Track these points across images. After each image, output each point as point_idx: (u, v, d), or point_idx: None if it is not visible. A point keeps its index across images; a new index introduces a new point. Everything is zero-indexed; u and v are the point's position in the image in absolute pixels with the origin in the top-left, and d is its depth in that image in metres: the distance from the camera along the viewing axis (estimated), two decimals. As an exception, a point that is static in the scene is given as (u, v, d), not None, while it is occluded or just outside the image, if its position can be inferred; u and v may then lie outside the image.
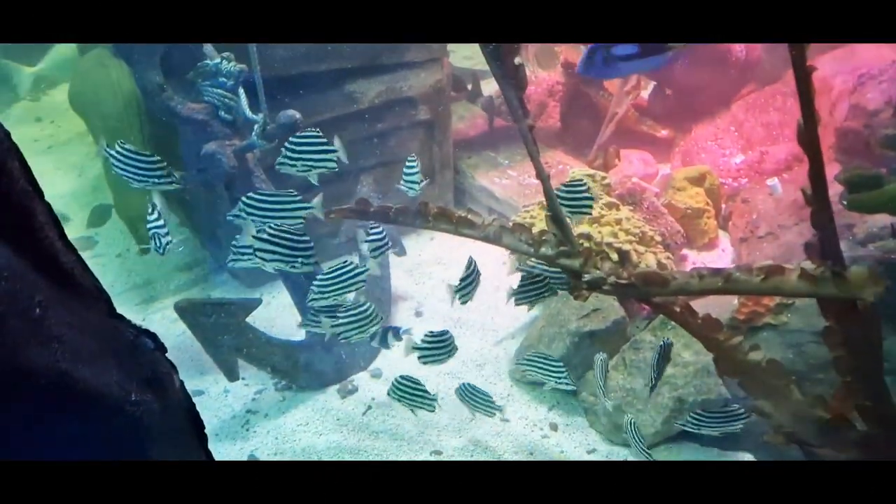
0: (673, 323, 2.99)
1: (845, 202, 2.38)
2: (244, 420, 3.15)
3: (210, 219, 3.90)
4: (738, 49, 4.59)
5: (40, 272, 1.35)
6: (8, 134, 1.36)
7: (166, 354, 1.61)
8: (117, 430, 1.37)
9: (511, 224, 2.57)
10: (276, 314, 3.69)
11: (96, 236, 4.28)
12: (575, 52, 5.06)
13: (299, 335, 3.42)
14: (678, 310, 2.34)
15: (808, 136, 1.75)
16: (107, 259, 4.12)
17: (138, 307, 3.82)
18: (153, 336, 1.55)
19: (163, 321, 3.59)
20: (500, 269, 3.97)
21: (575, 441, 2.95)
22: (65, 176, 4.81)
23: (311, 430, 3.08)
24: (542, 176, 2.40)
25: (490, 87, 5.41)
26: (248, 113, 3.09)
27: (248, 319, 3.12)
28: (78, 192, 4.70)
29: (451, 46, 5.31)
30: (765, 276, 2.01)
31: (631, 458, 2.84)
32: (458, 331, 3.59)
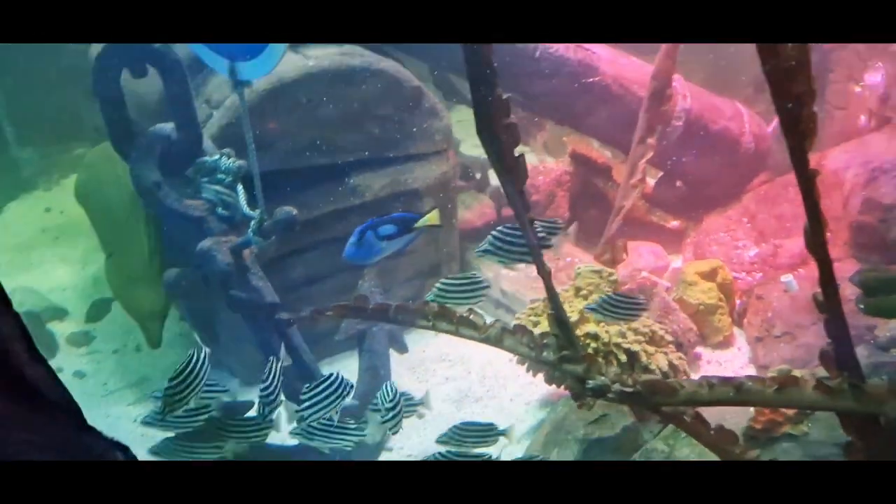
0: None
1: (862, 306, 2.25)
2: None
3: (208, 315, 3.83)
4: (747, 139, 4.55)
5: (3, 389, 1.30)
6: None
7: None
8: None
9: (513, 326, 2.47)
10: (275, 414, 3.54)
11: (94, 331, 4.21)
12: (583, 143, 5.06)
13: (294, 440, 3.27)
14: (689, 420, 2.19)
15: (815, 241, 1.65)
16: (103, 355, 4.03)
17: (132, 406, 3.70)
18: (124, 449, 1.47)
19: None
20: (507, 366, 3.82)
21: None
22: (68, 268, 4.79)
23: (300, 544, 2.88)
24: (543, 272, 2.31)
25: (498, 177, 5.41)
26: (246, 209, 3.05)
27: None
28: (79, 286, 4.67)
29: (459, 136, 5.35)
30: (779, 386, 1.88)
31: None
32: (462, 434, 3.42)
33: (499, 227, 2.44)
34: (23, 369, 1.36)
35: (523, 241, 2.40)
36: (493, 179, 5.35)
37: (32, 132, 6.00)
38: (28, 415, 1.32)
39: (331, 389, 2.72)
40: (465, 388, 3.75)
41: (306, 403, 2.67)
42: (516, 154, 2.14)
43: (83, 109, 5.07)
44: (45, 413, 1.37)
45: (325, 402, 2.71)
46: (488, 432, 2.70)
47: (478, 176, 5.40)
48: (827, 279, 1.68)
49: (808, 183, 1.53)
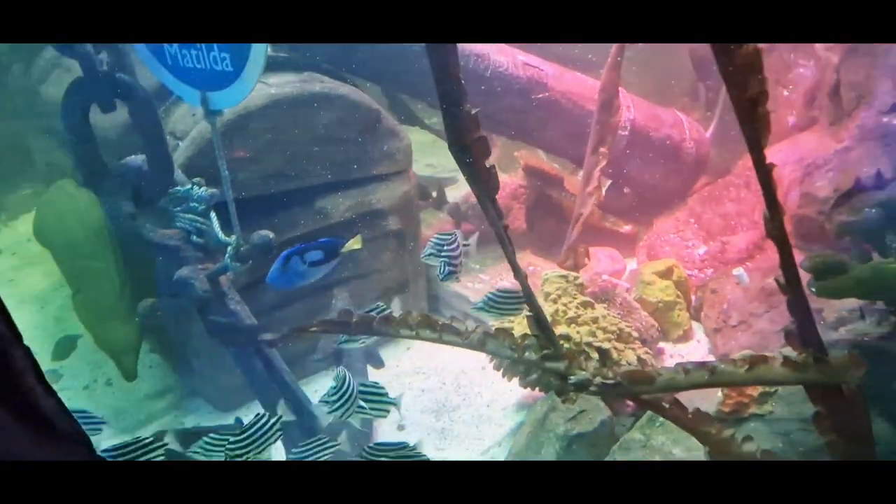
0: (660, 420, 2.99)
1: (813, 289, 2.46)
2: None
3: (182, 343, 3.83)
4: (688, 145, 4.82)
5: (19, 420, 1.33)
6: (-16, 278, 1.33)
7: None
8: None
9: (494, 330, 2.58)
10: (254, 438, 3.56)
11: (61, 369, 4.14)
12: (534, 157, 5.26)
13: (278, 454, 3.30)
14: (667, 406, 2.33)
15: (774, 227, 1.81)
16: (73, 392, 3.97)
17: (108, 440, 3.65)
18: (136, 473, 1.51)
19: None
20: (480, 374, 3.93)
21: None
22: (27, 308, 4.69)
23: (296, 562, 2.91)
24: (520, 277, 2.42)
25: (454, 193, 5.55)
26: (221, 236, 3.10)
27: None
28: (41, 325, 4.58)
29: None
30: (749, 366, 2.03)
31: None
32: (443, 442, 3.51)
33: (496, 288, 2.66)
34: (38, 401, 1.40)
35: (515, 299, 2.63)
36: (450, 196, 5.49)
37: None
38: (46, 444, 1.36)
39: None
40: (441, 398, 3.84)
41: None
42: (487, 165, 2.28)
43: (34, 147, 4.99)
44: (60, 443, 1.41)
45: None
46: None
47: (434, 194, 5.53)
48: (787, 262, 1.84)
49: (765, 174, 1.69)
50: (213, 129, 2.86)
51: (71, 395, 3.93)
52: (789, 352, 2.02)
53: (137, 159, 3.05)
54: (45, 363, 4.24)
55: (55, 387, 4.18)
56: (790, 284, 1.91)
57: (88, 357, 4.16)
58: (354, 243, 2.85)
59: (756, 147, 1.64)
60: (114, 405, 3.90)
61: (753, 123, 1.59)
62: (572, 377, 2.35)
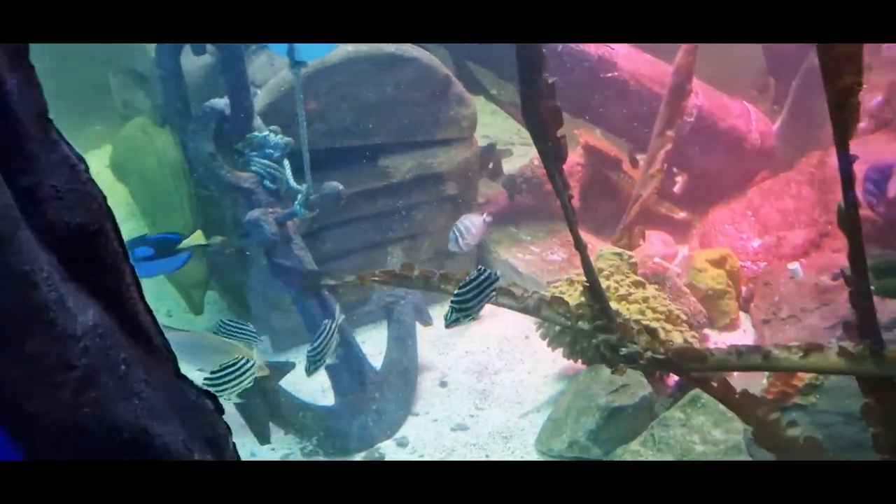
0: (702, 401, 3.05)
1: (873, 288, 2.48)
2: (270, 485, 3.14)
3: (240, 283, 3.99)
4: (753, 137, 4.79)
5: (124, 330, 1.42)
6: (105, 198, 1.45)
7: (223, 416, 1.66)
8: (179, 488, 1.40)
9: (549, 297, 2.66)
10: (304, 378, 3.71)
11: (125, 297, 4.34)
12: (594, 137, 5.27)
13: (327, 400, 3.45)
14: (715, 385, 2.39)
15: (848, 218, 1.84)
16: (136, 320, 4.17)
17: (165, 369, 3.84)
18: (213, 397, 1.60)
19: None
20: (524, 343, 4.02)
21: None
22: (98, 238, 4.89)
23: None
24: (581, 247, 2.48)
25: (510, 164, 5.61)
26: (293, 183, 3.22)
27: (281, 383, 3.17)
28: (108, 254, 4.79)
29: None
30: (804, 353, 2.09)
31: None
32: (484, 403, 3.62)
33: (455, 293, 2.50)
34: (139, 315, 1.51)
35: (478, 293, 2.49)
36: (506, 168, 5.55)
37: (53, 108, 6.05)
38: (144, 356, 1.47)
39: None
40: (484, 361, 3.94)
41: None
42: (558, 135, 2.34)
43: (112, 84, 5.16)
44: (155, 357, 1.52)
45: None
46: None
47: (490, 165, 5.60)
48: (856, 253, 1.88)
49: (847, 164, 1.73)
50: (296, 80, 2.97)
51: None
52: (847, 343, 2.07)
53: (221, 102, 3.17)
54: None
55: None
56: (856, 276, 1.95)
57: (151, 288, 4.35)
58: (196, 238, 2.79)
59: (842, 136, 1.67)
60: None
61: (843, 112, 1.62)
62: (624, 349, 2.43)
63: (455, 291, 2.48)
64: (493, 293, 2.54)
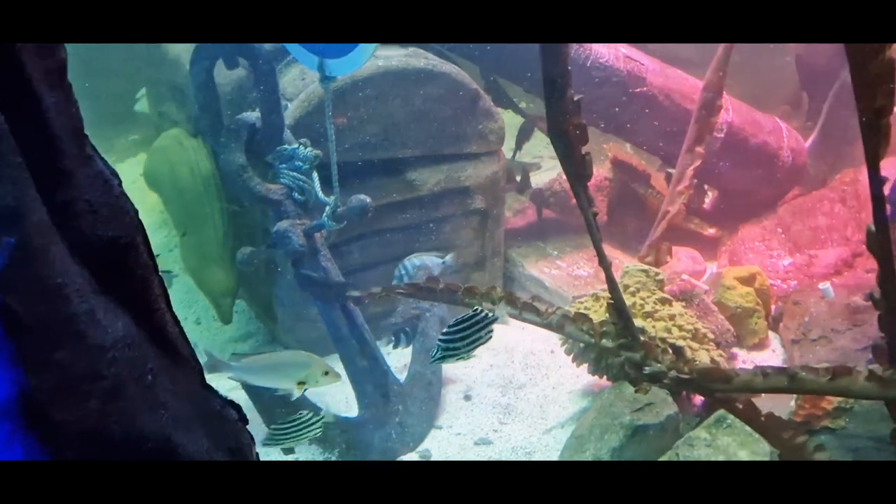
0: (728, 422, 3.01)
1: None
2: (293, 495, 3.16)
3: (267, 293, 4.04)
4: (785, 154, 4.73)
5: (152, 341, 1.45)
6: (136, 212, 1.48)
7: (247, 426, 1.68)
8: (204, 499, 1.42)
9: (573, 314, 2.64)
10: (328, 388, 3.74)
11: (156, 305, 4.42)
12: (622, 150, 5.25)
13: (351, 411, 3.47)
14: (741, 406, 2.36)
15: (878, 240, 1.82)
16: (165, 327, 4.25)
17: (193, 376, 3.91)
18: (238, 408, 1.62)
19: (218, 391, 3.66)
20: (549, 357, 4.01)
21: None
22: (129, 246, 5.00)
23: (359, 510, 3.08)
24: (605, 264, 2.47)
25: (538, 178, 5.60)
26: (321, 195, 3.26)
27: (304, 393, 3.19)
28: (140, 262, 4.88)
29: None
30: (832, 376, 2.05)
31: None
32: (508, 417, 3.61)
33: (443, 332, 2.51)
34: (166, 326, 1.54)
35: (469, 334, 2.51)
36: (534, 182, 5.55)
37: (88, 117, 6.21)
38: (171, 367, 1.49)
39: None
40: (508, 375, 3.93)
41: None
42: (583, 152, 2.33)
43: (148, 95, 5.29)
44: (181, 367, 1.54)
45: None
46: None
47: (518, 178, 5.60)
48: (887, 276, 1.85)
49: (877, 185, 1.71)
50: (325, 94, 3.01)
51: (164, 330, 4.20)
52: (877, 367, 2.03)
53: (252, 115, 3.23)
54: (142, 298, 4.55)
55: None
56: (886, 299, 1.91)
57: (181, 296, 4.43)
58: None
59: (872, 157, 1.65)
60: (201, 343, 4.16)
61: (874, 133, 1.60)
62: (647, 368, 2.41)
63: (444, 330, 2.48)
64: (489, 334, 2.53)
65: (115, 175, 1.45)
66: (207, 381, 1.65)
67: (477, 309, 2.47)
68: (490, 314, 2.48)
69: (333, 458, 3.33)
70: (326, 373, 2.82)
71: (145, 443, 1.34)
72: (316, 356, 2.96)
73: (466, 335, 2.46)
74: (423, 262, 3.30)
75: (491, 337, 2.54)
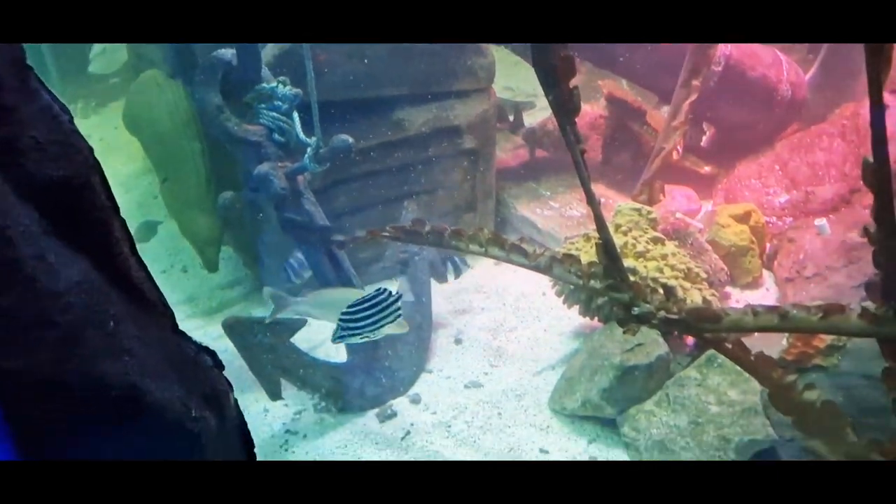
0: (718, 361, 2.97)
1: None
2: (283, 440, 3.16)
3: (254, 238, 3.96)
4: (784, 88, 4.59)
5: (114, 286, 1.39)
6: (91, 150, 1.40)
7: (223, 372, 1.63)
8: (177, 445, 1.38)
9: (561, 255, 2.58)
10: (317, 335, 3.70)
11: (141, 251, 4.33)
12: (618, 87, 5.10)
13: (340, 357, 3.44)
14: (730, 346, 2.32)
15: (877, 173, 1.74)
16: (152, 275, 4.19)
17: (181, 323, 3.83)
18: (212, 353, 1.57)
19: (205, 337, 3.62)
20: (541, 299, 3.96)
21: (615, 476, 2.91)
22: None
23: (349, 453, 3.08)
24: (593, 202, 2.38)
25: (531, 118, 5.47)
26: (302, 136, 3.15)
27: (292, 339, 3.16)
28: (124, 208, 4.73)
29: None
30: (823, 314, 1.99)
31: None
32: (498, 360, 3.58)
33: (343, 311, 2.47)
34: (130, 270, 1.47)
35: (371, 314, 2.48)
36: (527, 121, 5.41)
37: (70, 63, 6.04)
38: (136, 313, 1.43)
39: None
40: (500, 318, 3.90)
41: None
42: (570, 86, 2.22)
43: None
44: (149, 313, 1.48)
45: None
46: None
47: (511, 118, 5.46)
48: (883, 211, 1.77)
49: (879, 115, 1.62)
50: (302, 28, 2.86)
51: (150, 278, 4.15)
52: (870, 304, 1.97)
53: (227, 53, 3.09)
54: (127, 245, 4.48)
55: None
56: (882, 234, 1.84)
57: (167, 243, 4.37)
58: None
59: (875, 84, 1.55)
60: (188, 291, 4.11)
61: (878, 58, 1.50)
62: (636, 308, 2.35)
63: (345, 309, 2.45)
64: (395, 316, 2.50)
65: (66, 111, 1.36)
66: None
67: (380, 289, 2.45)
68: (393, 294, 2.47)
69: (323, 405, 3.31)
70: None
71: (108, 390, 1.29)
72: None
73: (369, 315, 2.45)
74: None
75: (399, 315, 2.52)
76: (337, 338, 2.48)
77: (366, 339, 2.50)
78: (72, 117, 1.38)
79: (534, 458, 3.00)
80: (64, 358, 1.27)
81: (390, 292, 2.48)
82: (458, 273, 3.73)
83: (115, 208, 1.47)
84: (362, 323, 2.45)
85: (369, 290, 2.65)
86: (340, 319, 2.43)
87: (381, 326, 2.49)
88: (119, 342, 1.35)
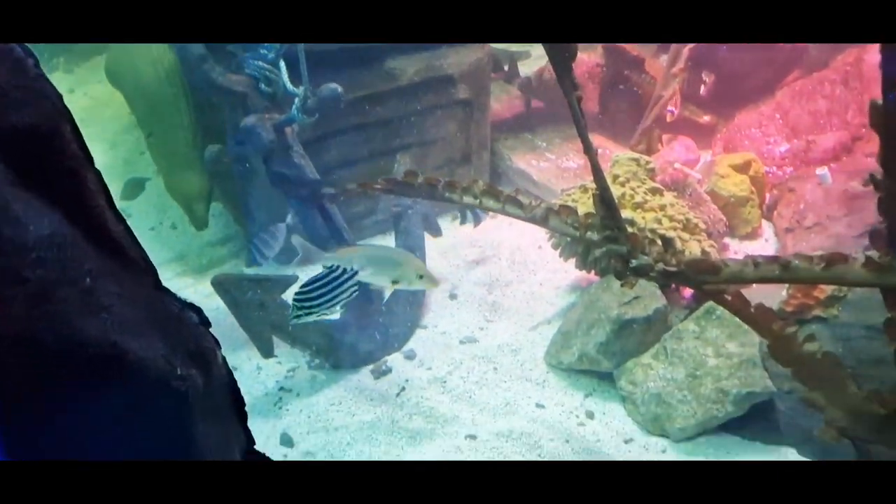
0: (717, 314, 2.93)
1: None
2: (277, 398, 3.13)
3: (244, 193, 3.88)
4: (786, 34, 4.46)
5: (90, 241, 1.33)
6: (60, 97, 1.32)
7: (210, 329, 1.57)
8: (163, 404, 1.34)
9: (558, 206, 2.51)
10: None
11: (129, 209, 4.27)
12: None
13: (333, 314, 3.39)
14: (729, 298, 2.27)
15: (885, 118, 1.66)
16: (140, 232, 3.99)
17: (170, 281, 3.80)
18: (198, 310, 1.51)
19: (195, 295, 3.58)
20: (536, 253, 3.91)
21: (612, 430, 2.90)
22: (97, 149, 4.75)
23: (343, 410, 3.05)
24: (590, 151, 2.31)
25: (527, 67, 5.33)
26: (289, 86, 3.05)
27: (283, 296, 3.10)
28: (110, 165, 4.69)
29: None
30: (826, 264, 1.94)
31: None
32: (494, 315, 3.55)
33: (296, 291, 2.45)
34: (107, 224, 1.40)
35: (326, 291, 2.46)
36: (522, 71, 5.27)
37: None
38: (115, 269, 1.37)
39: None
40: (495, 272, 3.85)
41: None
42: (567, 33, 2.13)
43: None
44: (129, 269, 1.41)
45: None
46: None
47: (506, 67, 5.32)
48: (890, 155, 1.70)
49: (891, 55, 1.53)
50: (286, -28, 2.74)
51: (137, 235, 4.08)
52: (874, 253, 1.92)
53: None
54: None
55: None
56: (889, 181, 1.78)
57: (155, 200, 4.28)
58: None
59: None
60: (177, 248, 4.04)
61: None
62: (633, 261, 2.30)
63: (299, 288, 2.43)
64: (352, 292, 2.48)
65: (31, 54, 1.28)
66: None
67: (333, 266, 2.43)
68: (347, 271, 2.45)
69: (316, 362, 3.27)
70: (422, 276, 2.69)
71: (85, 348, 1.24)
72: (415, 257, 2.82)
73: (324, 293, 2.44)
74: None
75: (356, 292, 2.50)
76: (292, 318, 2.46)
77: (323, 317, 2.49)
78: (37, 60, 1.30)
79: (530, 413, 2.98)
80: (36, 315, 1.21)
81: (345, 269, 2.45)
82: (477, 221, 3.64)
83: (89, 158, 1.39)
84: (318, 301, 2.43)
85: (362, 245, 2.60)
86: (294, 298, 2.41)
87: (337, 304, 2.46)
88: (97, 299, 1.29)
